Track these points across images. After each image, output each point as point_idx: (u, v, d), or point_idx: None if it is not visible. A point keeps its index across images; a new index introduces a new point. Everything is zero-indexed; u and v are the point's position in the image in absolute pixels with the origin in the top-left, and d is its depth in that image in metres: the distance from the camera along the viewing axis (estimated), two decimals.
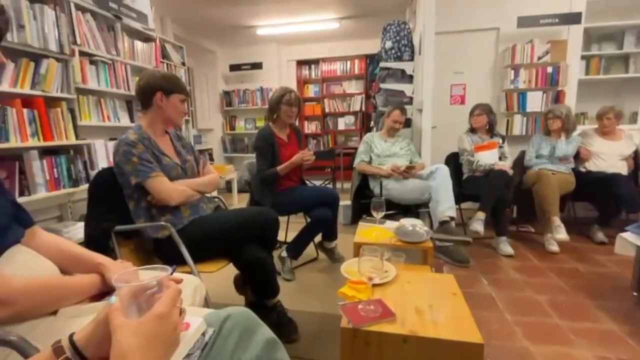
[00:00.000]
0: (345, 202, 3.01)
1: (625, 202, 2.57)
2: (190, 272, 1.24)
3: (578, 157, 2.90)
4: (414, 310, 1.02)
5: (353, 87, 5.80)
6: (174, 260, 1.31)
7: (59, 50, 2.11)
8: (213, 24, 4.52)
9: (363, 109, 5.67)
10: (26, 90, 1.95)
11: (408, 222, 1.76)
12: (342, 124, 5.87)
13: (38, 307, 0.68)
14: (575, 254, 2.49)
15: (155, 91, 1.38)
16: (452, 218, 2.25)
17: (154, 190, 1.31)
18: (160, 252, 1.38)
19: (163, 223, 1.30)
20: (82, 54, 2.33)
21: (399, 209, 2.51)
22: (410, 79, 3.30)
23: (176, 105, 1.43)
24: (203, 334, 0.59)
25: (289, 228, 2.67)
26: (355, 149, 2.90)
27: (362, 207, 2.63)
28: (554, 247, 2.51)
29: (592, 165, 2.88)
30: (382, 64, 3.36)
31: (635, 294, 1.88)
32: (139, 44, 2.91)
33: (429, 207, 2.39)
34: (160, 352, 0.44)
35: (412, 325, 0.94)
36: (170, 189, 1.33)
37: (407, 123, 3.15)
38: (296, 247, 2.22)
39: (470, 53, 3.58)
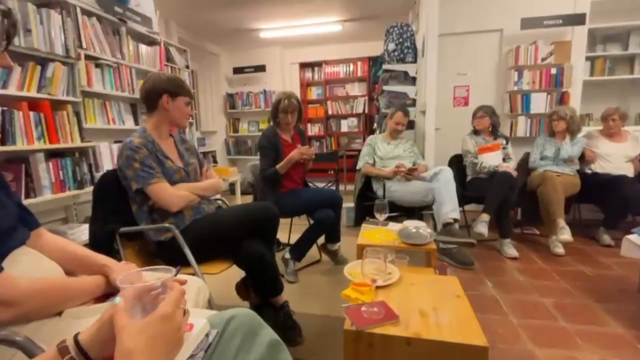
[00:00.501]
0: (348, 204, 3.01)
1: (631, 204, 2.55)
2: (193, 274, 1.24)
3: (583, 158, 2.88)
4: (417, 312, 1.01)
5: (356, 89, 5.81)
6: (176, 262, 1.31)
7: (65, 54, 2.14)
8: (217, 27, 4.56)
9: (366, 111, 5.66)
10: (32, 93, 1.97)
11: (411, 224, 1.76)
12: (345, 126, 5.87)
13: (43, 308, 0.69)
14: (581, 256, 2.47)
15: (161, 94, 1.39)
16: (455, 220, 2.24)
17: (155, 196, 1.32)
18: (162, 255, 1.38)
19: (167, 225, 1.31)
20: (88, 57, 2.35)
21: (402, 211, 2.50)
22: (413, 81, 3.29)
23: (181, 107, 1.45)
24: (207, 335, 0.60)
25: (292, 230, 2.67)
26: (358, 151, 2.90)
27: (366, 209, 2.62)
28: (559, 250, 2.49)
29: (598, 167, 2.86)
30: (385, 66, 3.36)
31: None
32: (143, 48, 2.94)
33: (433, 209, 2.38)
34: (164, 353, 0.45)
35: (415, 328, 0.93)
36: (171, 195, 1.33)
37: (411, 125, 3.15)
38: (299, 249, 2.22)
39: (473, 55, 3.58)
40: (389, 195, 2.49)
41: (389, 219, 1.84)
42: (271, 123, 2.33)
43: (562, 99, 3.30)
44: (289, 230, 2.68)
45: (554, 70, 3.29)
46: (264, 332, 0.65)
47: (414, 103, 3.28)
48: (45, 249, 0.81)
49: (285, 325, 1.50)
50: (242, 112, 5.67)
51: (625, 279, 2.09)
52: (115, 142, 2.62)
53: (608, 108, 2.89)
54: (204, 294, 1.02)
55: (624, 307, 1.77)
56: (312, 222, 2.22)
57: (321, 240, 2.36)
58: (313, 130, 6.03)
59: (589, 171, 2.88)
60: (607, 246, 2.62)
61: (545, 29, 3.23)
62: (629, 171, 2.77)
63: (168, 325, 0.45)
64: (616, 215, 2.68)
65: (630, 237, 1.76)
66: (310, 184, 2.51)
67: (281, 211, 2.11)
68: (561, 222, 2.45)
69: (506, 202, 2.49)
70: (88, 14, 2.36)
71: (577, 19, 3.17)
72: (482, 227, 2.41)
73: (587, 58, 3.36)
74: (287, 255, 2.22)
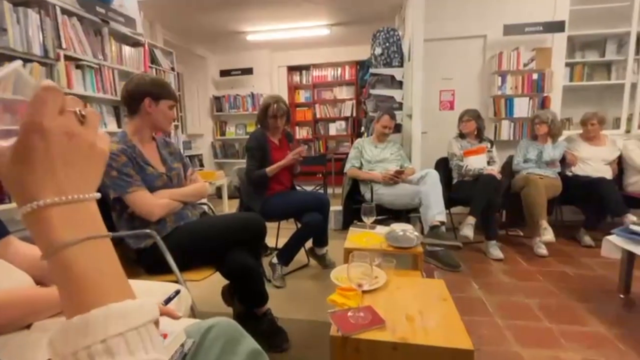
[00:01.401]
0: (336, 207, 3.00)
1: (610, 205, 2.62)
2: (175, 281, 1.21)
3: (564, 161, 2.95)
4: (404, 316, 1.01)
5: (344, 92, 5.83)
6: (158, 269, 1.27)
7: (44, 54, 2.07)
8: (203, 30, 4.51)
9: (354, 114, 5.69)
10: (8, 95, 1.89)
11: (398, 227, 1.76)
12: (333, 129, 5.88)
13: (11, 321, 0.65)
14: (563, 257, 2.52)
15: (143, 96, 1.34)
16: (442, 223, 2.26)
17: (133, 205, 1.27)
18: (142, 262, 1.33)
19: (148, 231, 1.26)
20: (68, 58, 2.29)
21: (389, 214, 2.51)
22: (400, 84, 3.33)
23: (165, 111, 1.40)
24: (182, 345, 0.57)
25: (280, 234, 2.64)
26: (346, 154, 2.91)
27: (353, 212, 2.62)
28: (543, 251, 2.54)
29: (579, 170, 2.94)
30: (372, 70, 3.38)
31: (621, 296, 1.91)
32: (127, 49, 2.88)
33: (420, 212, 2.40)
34: (72, 170, 0.33)
35: (402, 332, 0.93)
36: (150, 204, 1.29)
37: (397, 128, 3.17)
38: (287, 254, 2.19)
39: (458, 60, 3.64)
40: (376, 198, 2.49)
41: (377, 222, 1.84)
42: (258, 126, 2.31)
43: (544, 104, 3.39)
44: (277, 235, 2.65)
45: (535, 76, 3.38)
46: (245, 341, 0.63)
47: (400, 107, 3.31)
48: (14, 258, 0.77)
49: (271, 332, 1.48)
50: (230, 115, 5.62)
51: (605, 279, 2.15)
52: None
53: (587, 112, 2.98)
54: (186, 302, 0.99)
55: (605, 306, 1.81)
56: (299, 225, 2.20)
57: (309, 244, 2.34)
58: (301, 133, 6.02)
59: (570, 174, 2.96)
60: (588, 247, 2.69)
61: (526, 35, 3.31)
62: (607, 174, 2.85)
63: (53, 137, 0.32)
64: (596, 216, 2.76)
65: (609, 237, 1.81)
66: (298, 187, 2.49)
67: (269, 214, 2.08)
68: (544, 224, 2.50)
69: (491, 205, 2.53)
70: (68, 13, 2.30)
71: (556, 26, 3.27)
72: (468, 230, 2.44)
73: (567, 64, 3.47)
74: (275, 260, 2.19)
